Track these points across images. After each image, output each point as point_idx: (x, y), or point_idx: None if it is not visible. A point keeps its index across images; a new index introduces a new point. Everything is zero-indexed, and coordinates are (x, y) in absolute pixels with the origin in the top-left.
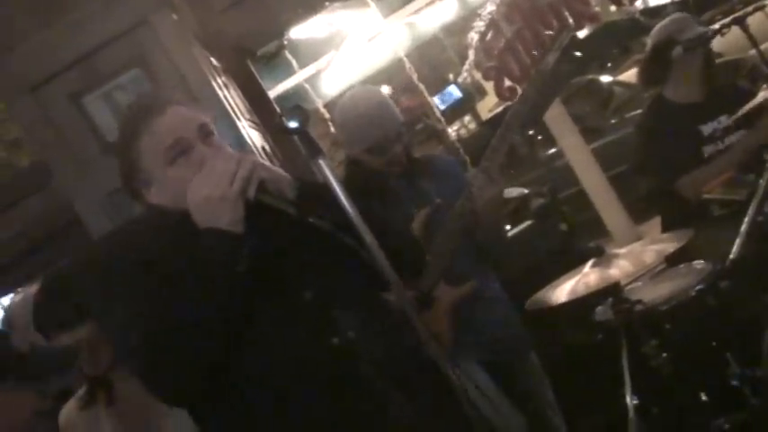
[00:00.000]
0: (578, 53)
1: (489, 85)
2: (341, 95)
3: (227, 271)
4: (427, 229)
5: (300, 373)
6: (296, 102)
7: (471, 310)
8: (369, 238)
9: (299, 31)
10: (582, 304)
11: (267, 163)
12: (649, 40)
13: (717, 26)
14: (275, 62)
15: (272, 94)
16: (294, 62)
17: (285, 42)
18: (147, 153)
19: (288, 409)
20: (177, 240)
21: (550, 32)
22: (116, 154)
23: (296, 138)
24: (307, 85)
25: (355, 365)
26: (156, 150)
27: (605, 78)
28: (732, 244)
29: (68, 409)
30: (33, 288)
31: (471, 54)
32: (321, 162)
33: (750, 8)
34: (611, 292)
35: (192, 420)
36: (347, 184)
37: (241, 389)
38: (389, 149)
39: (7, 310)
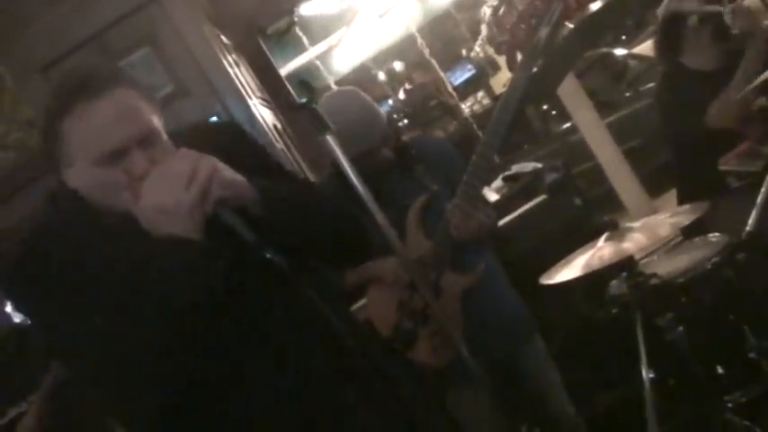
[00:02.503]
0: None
1: (502, 60)
2: (326, 95)
3: (197, 288)
4: (424, 218)
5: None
6: (307, 79)
7: (477, 297)
8: (380, 218)
9: (309, 8)
10: (596, 278)
11: (228, 169)
12: (659, 13)
13: None
14: (286, 39)
15: (284, 71)
16: (305, 39)
17: (296, 19)
18: (70, 140)
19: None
20: (119, 246)
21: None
22: (37, 124)
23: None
24: (318, 62)
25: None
26: (82, 145)
27: (620, 51)
28: (749, 216)
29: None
30: None
31: (484, 29)
32: (329, 138)
33: None
34: (626, 266)
35: None
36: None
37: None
38: (376, 155)
39: None
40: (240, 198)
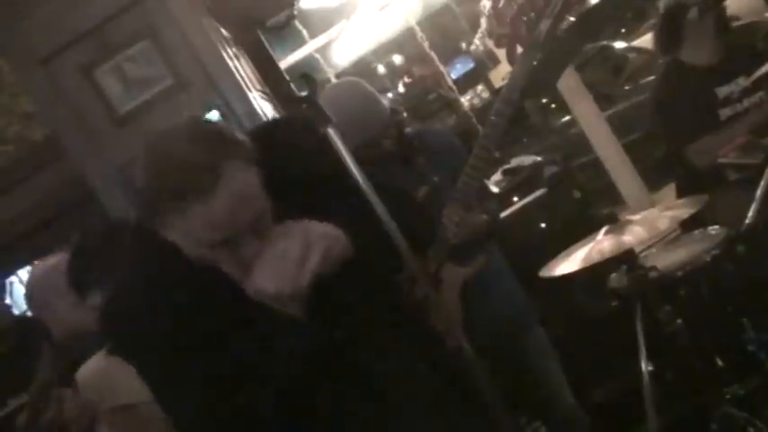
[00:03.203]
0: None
1: (502, 54)
2: (328, 87)
3: (300, 364)
4: (428, 208)
5: None
6: (307, 72)
7: (478, 287)
8: (380, 209)
9: (309, 1)
10: (596, 271)
11: (337, 243)
12: (660, 6)
13: None
14: (286, 32)
15: (283, 64)
16: (305, 32)
17: (295, 12)
18: (175, 227)
19: None
20: (226, 307)
21: None
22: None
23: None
24: (317, 56)
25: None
26: (191, 233)
27: (619, 45)
28: (748, 208)
29: (93, 362)
30: (51, 260)
31: (484, 22)
32: (330, 131)
33: None
34: (626, 258)
35: None
36: None
37: None
38: (379, 145)
39: (27, 283)
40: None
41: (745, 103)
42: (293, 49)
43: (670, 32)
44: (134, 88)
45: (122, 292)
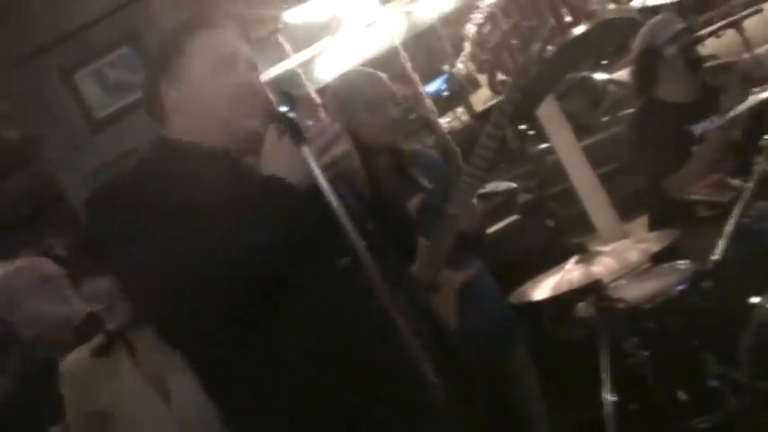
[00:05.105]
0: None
1: (483, 78)
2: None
3: (290, 227)
4: (422, 216)
5: (336, 335)
6: (288, 86)
7: (474, 295)
8: (335, 202)
9: (294, 15)
10: (565, 300)
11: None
12: (634, 48)
13: (712, 28)
14: (269, 46)
15: (264, 77)
16: (288, 46)
17: (280, 26)
18: (193, 55)
19: (321, 368)
20: (214, 179)
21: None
22: (156, 51)
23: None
24: (299, 71)
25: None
26: (206, 52)
27: (600, 76)
28: (716, 245)
29: (79, 356)
30: (17, 263)
31: (467, 46)
32: (305, 150)
33: (746, 11)
34: (594, 289)
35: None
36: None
37: (266, 345)
38: (386, 109)
39: None
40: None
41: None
42: (276, 63)
43: (645, 73)
44: (113, 93)
45: (119, 177)
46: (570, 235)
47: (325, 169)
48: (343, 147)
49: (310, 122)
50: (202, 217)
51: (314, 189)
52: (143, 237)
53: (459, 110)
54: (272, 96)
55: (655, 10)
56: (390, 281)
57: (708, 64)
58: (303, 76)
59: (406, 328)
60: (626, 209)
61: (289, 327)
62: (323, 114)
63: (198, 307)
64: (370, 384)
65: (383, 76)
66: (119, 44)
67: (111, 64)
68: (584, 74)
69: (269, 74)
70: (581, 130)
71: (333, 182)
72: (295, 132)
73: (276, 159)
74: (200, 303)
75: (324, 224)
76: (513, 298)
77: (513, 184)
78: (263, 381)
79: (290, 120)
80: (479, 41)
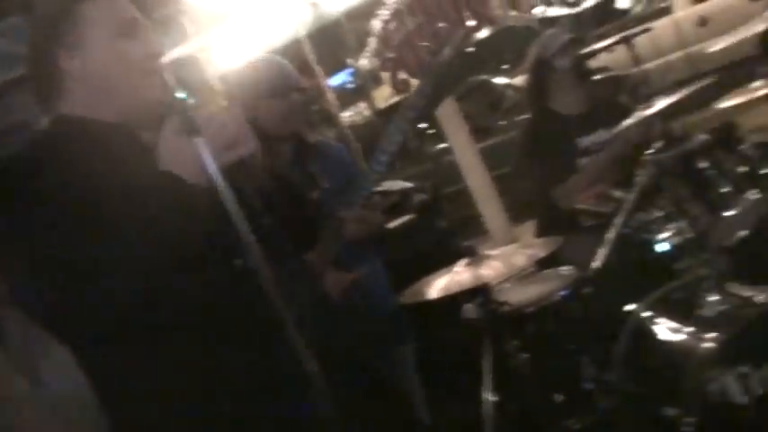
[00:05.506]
0: (474, 53)
1: (387, 75)
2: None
3: (184, 224)
4: (317, 213)
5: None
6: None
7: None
8: (231, 201)
9: None
10: (454, 301)
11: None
12: (528, 59)
13: (605, 44)
14: (171, 27)
15: (164, 59)
16: (189, 29)
17: (182, 7)
18: (93, 20)
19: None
20: (111, 164)
21: (448, 30)
22: (48, 19)
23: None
24: (200, 55)
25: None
26: (106, 17)
27: (499, 80)
28: (597, 254)
29: None
30: None
31: (372, 42)
32: (198, 142)
33: (637, 29)
34: (481, 291)
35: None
36: None
37: (158, 344)
38: (291, 97)
39: None
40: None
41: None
42: (176, 45)
43: (537, 83)
44: (1, 64)
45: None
46: (463, 236)
47: (226, 168)
48: (250, 146)
49: (213, 112)
50: (107, 208)
51: (210, 186)
52: (40, 230)
53: (362, 105)
54: (169, 80)
55: (553, 20)
56: (284, 275)
57: (599, 76)
58: (203, 61)
59: (294, 329)
60: (517, 212)
61: (181, 327)
62: (224, 102)
63: (90, 310)
64: (254, 384)
65: (288, 63)
66: (8, 12)
67: (1, 33)
68: (484, 77)
69: (168, 56)
70: (478, 132)
71: (231, 176)
72: (188, 122)
73: (173, 154)
74: (93, 305)
75: (220, 223)
76: (404, 297)
77: (409, 184)
78: (154, 378)
79: (185, 109)
80: (384, 38)
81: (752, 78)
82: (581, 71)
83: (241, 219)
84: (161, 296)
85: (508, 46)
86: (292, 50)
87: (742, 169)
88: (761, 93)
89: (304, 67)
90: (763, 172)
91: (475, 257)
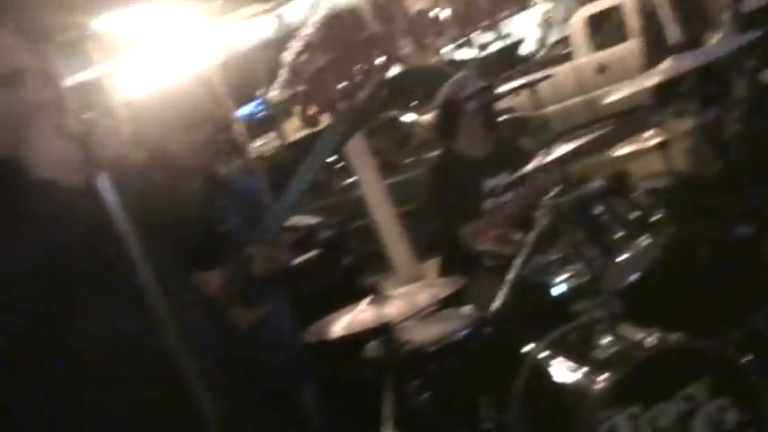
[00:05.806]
0: (385, 92)
1: (297, 107)
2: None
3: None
4: (223, 248)
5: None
6: (91, 96)
7: (265, 333)
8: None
9: (104, 23)
10: (357, 340)
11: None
12: (438, 97)
13: (510, 87)
14: (76, 51)
15: (68, 82)
16: (94, 55)
17: (88, 33)
18: None
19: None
20: None
21: (358, 68)
22: None
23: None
24: (106, 81)
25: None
26: None
27: (407, 117)
28: (497, 294)
29: None
30: None
31: (283, 73)
32: (102, 176)
33: (540, 76)
34: (384, 329)
35: None
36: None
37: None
38: (203, 130)
39: None
40: None
41: (505, 197)
42: (81, 70)
43: (445, 123)
44: None
45: None
46: (369, 271)
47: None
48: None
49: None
50: None
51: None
52: None
53: (271, 135)
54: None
55: (461, 63)
56: (185, 302)
57: (504, 117)
58: (108, 88)
59: (189, 359)
60: (422, 249)
61: (71, 351)
62: (126, 129)
63: None
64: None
65: (202, 95)
66: None
67: None
68: (393, 113)
69: (72, 81)
70: (386, 168)
71: (139, 204)
72: (90, 158)
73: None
74: None
75: (112, 246)
76: (308, 335)
77: (316, 219)
78: (42, 403)
79: (87, 145)
80: (295, 70)
81: (645, 127)
82: (489, 116)
83: (137, 245)
84: (47, 321)
85: (417, 84)
86: (202, 79)
87: (634, 215)
88: (652, 142)
89: (213, 97)
90: (653, 219)
91: (378, 296)
